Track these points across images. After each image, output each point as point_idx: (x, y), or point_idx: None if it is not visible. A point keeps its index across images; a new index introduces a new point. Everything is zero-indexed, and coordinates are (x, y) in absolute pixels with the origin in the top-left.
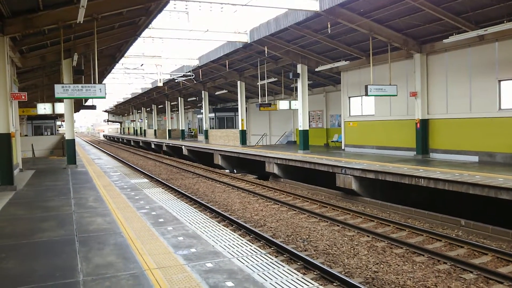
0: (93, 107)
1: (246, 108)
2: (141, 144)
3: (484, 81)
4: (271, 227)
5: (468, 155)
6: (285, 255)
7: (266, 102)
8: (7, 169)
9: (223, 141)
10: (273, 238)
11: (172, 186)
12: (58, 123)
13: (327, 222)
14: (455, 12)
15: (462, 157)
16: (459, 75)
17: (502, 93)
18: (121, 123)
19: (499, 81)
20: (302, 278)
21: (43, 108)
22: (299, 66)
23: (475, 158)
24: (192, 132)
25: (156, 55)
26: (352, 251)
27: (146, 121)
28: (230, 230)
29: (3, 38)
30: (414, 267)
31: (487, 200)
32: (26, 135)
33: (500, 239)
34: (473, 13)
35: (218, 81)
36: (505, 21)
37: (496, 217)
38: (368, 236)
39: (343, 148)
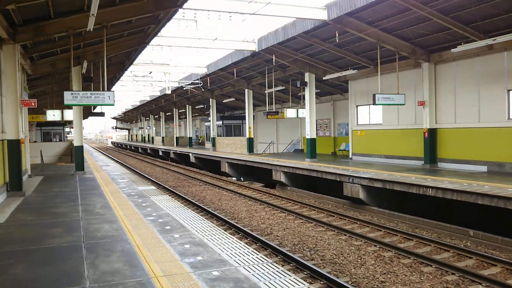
0: (101, 114)
1: (253, 116)
2: (148, 151)
3: (492, 91)
4: (277, 236)
5: (476, 165)
6: (291, 264)
7: (274, 110)
8: (16, 175)
9: (230, 148)
10: (279, 247)
11: (179, 194)
12: (67, 129)
13: (334, 231)
14: (464, 22)
15: (470, 167)
16: (468, 85)
17: (511, 103)
18: (129, 130)
19: (508, 90)
20: (308, 287)
21: (52, 115)
22: (306, 75)
23: (484, 168)
24: (199, 139)
25: (164, 63)
26: (359, 260)
27: (154, 128)
28: (237, 238)
29: (15, 46)
30: (422, 278)
31: (496, 211)
32: (35, 141)
33: (509, 250)
34: (481, 22)
35: (226, 89)
36: None
37: (505, 228)
38: (376, 246)
39: (350, 157)
